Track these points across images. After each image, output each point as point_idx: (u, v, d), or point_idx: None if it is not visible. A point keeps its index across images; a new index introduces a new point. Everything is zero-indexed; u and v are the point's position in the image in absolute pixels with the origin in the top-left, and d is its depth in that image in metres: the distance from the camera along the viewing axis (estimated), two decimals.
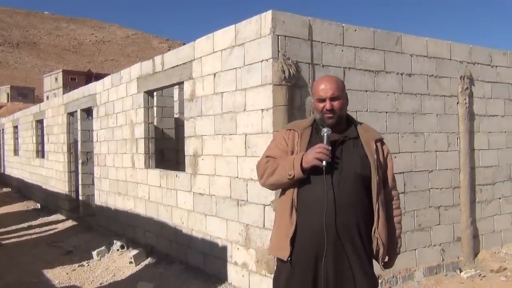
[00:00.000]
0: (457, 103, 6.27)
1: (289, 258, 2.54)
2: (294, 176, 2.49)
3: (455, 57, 6.29)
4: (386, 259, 2.71)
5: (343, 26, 5.32)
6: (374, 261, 2.65)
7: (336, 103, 2.58)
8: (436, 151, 6.06)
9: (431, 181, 5.98)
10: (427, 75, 6.01)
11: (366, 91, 5.46)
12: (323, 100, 2.60)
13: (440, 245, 6.03)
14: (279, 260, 2.64)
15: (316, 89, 2.66)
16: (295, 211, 2.54)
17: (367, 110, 5.45)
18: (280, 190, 2.71)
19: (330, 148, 2.47)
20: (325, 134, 2.52)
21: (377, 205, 2.55)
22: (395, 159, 5.61)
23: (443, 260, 6.03)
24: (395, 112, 5.70)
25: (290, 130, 2.71)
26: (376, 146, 2.65)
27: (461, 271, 5.98)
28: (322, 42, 5.13)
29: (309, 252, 2.49)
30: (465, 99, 6.24)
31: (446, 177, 6.14)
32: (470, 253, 6.23)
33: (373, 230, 2.55)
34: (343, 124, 2.66)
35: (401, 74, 5.77)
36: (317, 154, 2.44)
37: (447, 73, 6.20)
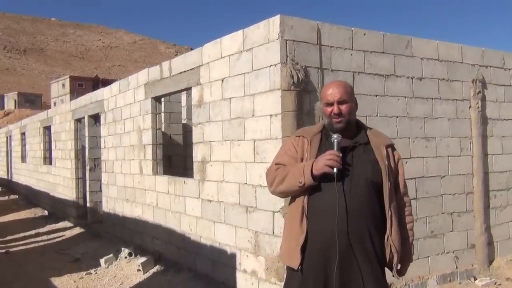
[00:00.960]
0: (470, 107, 6.17)
1: (299, 267, 2.50)
2: (304, 183, 2.47)
3: (467, 60, 6.19)
4: (399, 266, 2.66)
5: (352, 30, 5.27)
6: (386, 269, 2.61)
7: (344, 107, 2.56)
8: (448, 156, 5.96)
9: (444, 186, 5.88)
10: (438, 79, 5.92)
11: (376, 95, 5.39)
12: (331, 104, 2.58)
13: (453, 252, 5.92)
14: (289, 268, 2.61)
15: (324, 93, 2.65)
16: (306, 219, 2.51)
17: (377, 115, 5.38)
18: (290, 197, 2.68)
19: (341, 154, 2.45)
20: (335, 141, 2.50)
21: (389, 212, 2.52)
22: (406, 164, 5.52)
23: (457, 267, 5.91)
24: (406, 116, 5.62)
25: (299, 136, 2.70)
26: (387, 151, 2.62)
27: (475, 279, 5.86)
28: (331, 47, 5.08)
29: (320, 260, 2.46)
30: (477, 103, 6.13)
31: (458, 183, 6.03)
32: (484, 261, 6.10)
33: (386, 238, 2.52)
34: (352, 130, 2.64)
35: (412, 78, 5.69)
36: (327, 161, 2.42)
37: (459, 77, 6.11)
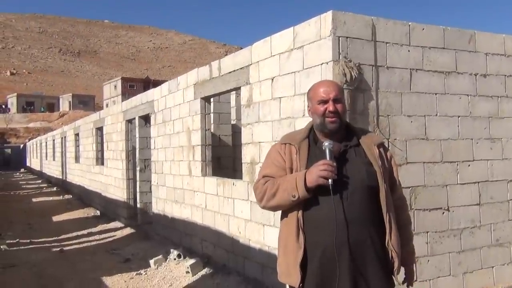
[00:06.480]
0: None
1: (300, 284, 2.37)
2: (298, 197, 2.33)
3: None
4: (400, 271, 2.50)
5: (409, 25, 5.00)
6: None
7: (339, 106, 2.44)
8: None
9: (511, 191, 5.47)
10: (505, 75, 5.52)
11: (436, 93, 5.10)
12: (325, 102, 2.44)
13: None
14: None
15: (315, 91, 2.51)
16: (302, 233, 2.37)
17: (436, 114, 5.08)
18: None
19: (335, 164, 2.31)
20: (327, 149, 2.35)
21: (387, 216, 2.39)
22: (469, 167, 5.21)
23: None
24: (469, 116, 5.27)
25: (285, 144, 2.53)
26: (379, 151, 2.50)
27: None
28: (387, 43, 4.85)
29: (323, 276, 2.33)
30: None
31: None
32: None
33: (386, 243, 2.40)
34: (342, 132, 2.50)
35: (475, 75, 5.33)
36: (321, 172, 2.28)
37: None
